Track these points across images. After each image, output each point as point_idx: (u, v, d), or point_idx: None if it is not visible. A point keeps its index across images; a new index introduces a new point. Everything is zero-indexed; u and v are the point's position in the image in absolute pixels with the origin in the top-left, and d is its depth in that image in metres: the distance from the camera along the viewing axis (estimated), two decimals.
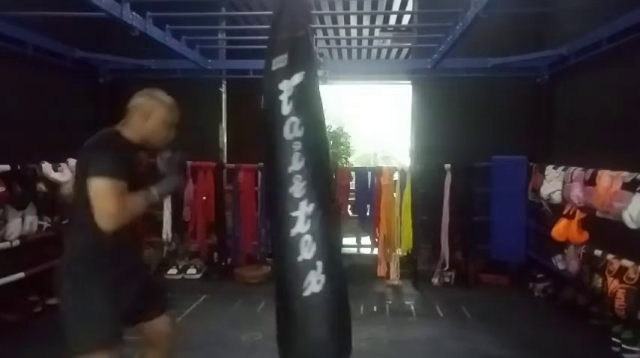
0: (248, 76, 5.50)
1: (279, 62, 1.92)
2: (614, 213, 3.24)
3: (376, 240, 5.18)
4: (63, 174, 4.33)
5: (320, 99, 1.99)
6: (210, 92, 5.64)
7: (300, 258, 1.76)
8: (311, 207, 1.79)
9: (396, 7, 6.07)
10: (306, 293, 1.74)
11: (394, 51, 8.22)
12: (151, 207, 2.02)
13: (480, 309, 4.32)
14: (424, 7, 5.30)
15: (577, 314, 4.00)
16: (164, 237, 5.20)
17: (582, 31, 4.14)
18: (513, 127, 5.27)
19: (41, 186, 4.07)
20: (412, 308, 4.44)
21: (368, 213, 5.23)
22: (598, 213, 3.52)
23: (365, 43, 6.94)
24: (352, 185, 5.58)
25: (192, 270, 5.33)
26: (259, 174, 5.31)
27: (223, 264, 5.38)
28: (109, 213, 1.79)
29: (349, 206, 5.51)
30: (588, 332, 3.73)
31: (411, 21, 6.17)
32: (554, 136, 4.97)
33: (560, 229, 3.99)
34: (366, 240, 5.46)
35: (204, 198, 5.27)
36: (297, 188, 1.80)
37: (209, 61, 5.37)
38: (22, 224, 3.92)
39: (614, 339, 3.36)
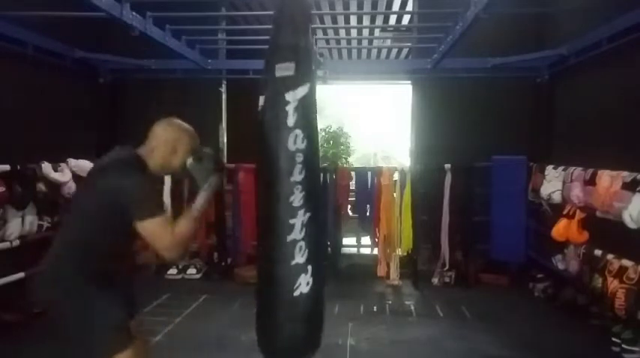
0: (248, 76, 5.50)
1: (285, 70, 1.95)
2: (614, 213, 3.24)
3: (376, 240, 5.18)
4: (63, 174, 4.34)
5: (316, 109, 2.05)
6: (210, 92, 5.64)
7: (293, 262, 1.87)
8: (307, 216, 1.90)
9: (396, 7, 6.07)
10: (296, 293, 1.86)
11: (394, 51, 8.22)
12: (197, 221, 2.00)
13: (480, 309, 4.32)
14: (424, 7, 5.30)
15: (577, 314, 4.00)
16: None
17: (582, 31, 4.14)
18: (513, 127, 5.27)
19: (41, 186, 4.08)
20: (412, 308, 4.44)
21: (368, 213, 5.23)
22: (598, 213, 3.52)
23: (365, 43, 6.94)
24: (352, 185, 5.58)
25: (192, 270, 5.33)
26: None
27: (223, 264, 5.39)
28: (171, 247, 1.84)
29: (349, 206, 5.51)
30: (588, 332, 3.73)
31: (411, 21, 6.17)
32: (554, 136, 4.97)
33: (560, 229, 3.99)
34: (366, 240, 5.46)
35: None
36: (297, 197, 1.90)
37: (209, 61, 5.36)
38: (22, 224, 3.92)
39: (614, 339, 3.36)
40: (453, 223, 5.06)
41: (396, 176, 5.23)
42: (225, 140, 5.78)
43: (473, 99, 5.36)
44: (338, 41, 6.68)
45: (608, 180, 3.36)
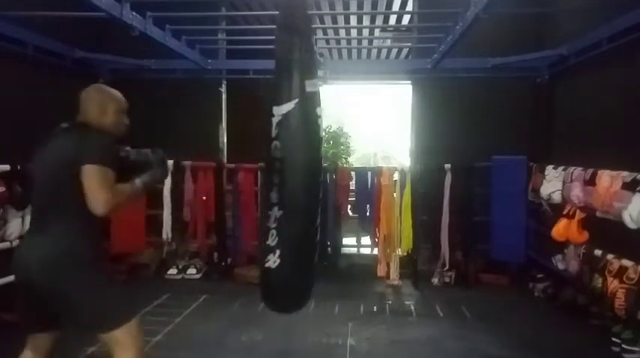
0: (248, 76, 5.51)
1: (313, 86, 2.25)
2: (614, 213, 3.24)
3: (376, 240, 5.18)
4: None
5: (311, 123, 2.27)
6: (210, 92, 5.64)
7: (266, 243, 2.35)
8: (280, 213, 2.28)
9: (396, 7, 6.07)
10: (266, 265, 2.36)
11: (394, 51, 8.22)
12: (133, 198, 2.13)
13: (480, 309, 4.32)
14: (424, 7, 5.30)
15: (577, 314, 4.00)
16: (164, 237, 5.20)
17: (582, 31, 4.14)
18: (513, 127, 5.27)
19: None
20: (412, 308, 4.44)
21: (368, 213, 5.23)
22: (598, 213, 3.52)
23: (365, 43, 6.94)
24: (352, 185, 5.58)
25: (192, 270, 5.33)
26: (259, 174, 5.31)
27: (223, 264, 5.38)
28: (104, 200, 1.90)
29: (349, 206, 5.51)
30: (588, 332, 3.73)
31: (411, 21, 6.17)
32: (554, 136, 4.97)
33: (560, 229, 3.99)
34: (366, 240, 5.46)
35: (204, 198, 5.27)
36: (274, 195, 2.29)
37: (209, 61, 5.36)
38: (22, 224, 3.92)
39: (614, 339, 3.36)
40: (453, 223, 5.06)
41: (396, 176, 5.23)
42: (225, 140, 5.78)
43: (473, 99, 5.36)
44: (338, 41, 6.67)
45: (608, 180, 3.36)
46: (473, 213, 5.09)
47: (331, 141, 11.40)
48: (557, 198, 4.18)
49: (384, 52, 8.37)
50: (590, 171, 3.65)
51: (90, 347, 3.31)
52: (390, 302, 4.63)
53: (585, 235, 3.83)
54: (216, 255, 5.44)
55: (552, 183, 4.25)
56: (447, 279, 5.06)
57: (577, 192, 3.78)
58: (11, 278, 3.68)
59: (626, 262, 3.28)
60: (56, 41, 4.56)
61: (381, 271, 5.12)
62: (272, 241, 2.32)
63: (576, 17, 4.54)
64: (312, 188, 2.35)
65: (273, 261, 2.32)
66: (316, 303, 4.20)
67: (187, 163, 5.23)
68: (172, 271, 5.32)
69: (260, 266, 2.43)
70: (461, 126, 5.35)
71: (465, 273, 5.08)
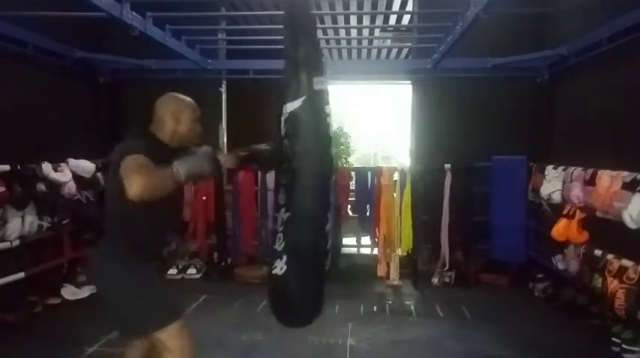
0: (248, 76, 5.50)
1: (320, 84, 2.16)
2: (614, 213, 3.24)
3: (376, 240, 5.18)
4: (63, 174, 4.34)
5: (319, 121, 2.18)
6: (210, 92, 5.64)
7: (275, 247, 2.22)
8: (286, 215, 2.17)
9: (396, 7, 6.07)
10: (273, 272, 2.22)
11: (394, 51, 8.22)
12: (177, 187, 1.96)
13: (480, 309, 4.32)
14: (424, 7, 5.30)
15: (577, 314, 4.00)
16: None
17: (582, 31, 4.14)
18: (513, 127, 5.27)
19: (41, 186, 4.07)
20: (412, 308, 4.44)
21: (368, 213, 5.23)
22: (598, 213, 3.52)
23: (365, 43, 6.93)
24: (352, 185, 5.58)
25: (192, 270, 5.33)
26: (259, 174, 5.31)
27: (223, 264, 5.38)
28: (137, 182, 1.79)
29: (349, 206, 5.51)
30: (588, 332, 3.73)
31: (411, 21, 6.17)
32: (554, 136, 4.97)
33: (560, 229, 3.99)
34: (366, 240, 5.46)
35: (204, 198, 5.27)
36: (282, 197, 2.20)
37: (209, 61, 5.36)
38: (22, 224, 3.92)
39: (614, 339, 3.36)
40: (453, 223, 5.06)
41: (396, 176, 5.23)
42: (225, 140, 5.78)
43: (473, 99, 5.36)
44: (338, 41, 6.67)
45: (608, 180, 3.36)
46: (473, 213, 5.09)
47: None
48: (557, 198, 4.18)
49: (384, 52, 8.37)
50: (590, 171, 3.65)
51: (90, 347, 3.31)
52: (390, 302, 4.63)
53: (585, 235, 3.83)
54: (216, 255, 5.44)
55: (552, 183, 4.25)
56: (447, 279, 5.06)
57: (577, 192, 3.78)
58: (11, 278, 3.67)
59: (626, 262, 3.28)
60: (56, 41, 4.56)
61: (381, 271, 5.12)
62: (279, 246, 2.20)
63: (576, 17, 4.54)
64: (321, 190, 2.22)
65: (279, 267, 2.18)
66: None
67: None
68: (172, 271, 5.31)
69: (268, 271, 2.30)
70: (461, 126, 5.35)
71: (465, 273, 5.08)
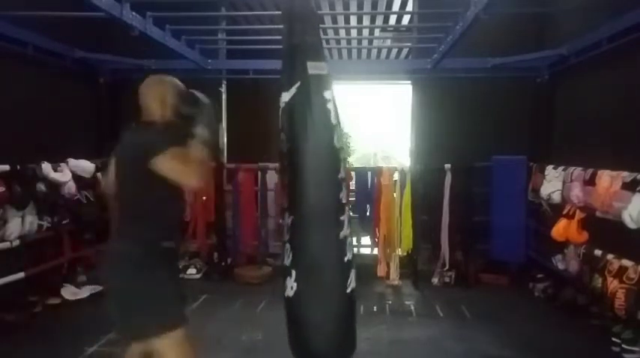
0: (248, 76, 5.50)
1: (316, 69, 2.00)
2: (614, 213, 3.24)
3: (376, 240, 5.18)
4: (63, 174, 4.34)
5: (317, 108, 1.96)
6: (210, 92, 5.57)
7: (284, 262, 1.92)
8: (290, 219, 1.91)
9: (396, 7, 6.07)
10: (285, 294, 1.89)
11: (394, 51, 8.21)
12: (209, 149, 1.96)
13: (479, 309, 4.31)
14: (424, 7, 5.30)
15: (577, 314, 4.00)
16: None
17: (582, 31, 4.14)
18: (513, 127, 5.28)
19: (41, 186, 4.07)
20: (412, 308, 4.44)
21: (368, 213, 5.22)
22: (598, 213, 3.52)
23: (365, 43, 6.94)
24: (352, 185, 5.58)
25: (192, 270, 5.32)
26: (259, 174, 5.31)
27: (223, 264, 5.38)
28: (192, 172, 1.81)
29: (349, 206, 5.49)
30: (588, 332, 3.73)
31: (411, 21, 6.17)
32: (554, 136, 4.97)
33: (560, 229, 3.99)
34: (366, 240, 5.46)
35: (204, 198, 5.27)
36: (284, 198, 1.99)
37: (209, 61, 5.36)
38: (22, 224, 3.92)
39: (614, 339, 3.36)
40: (453, 223, 5.06)
41: (396, 176, 5.23)
42: (225, 140, 5.78)
43: (473, 99, 5.36)
44: (338, 41, 6.67)
45: (608, 180, 3.36)
46: (473, 213, 5.09)
47: None
48: (557, 198, 4.18)
49: (384, 52, 8.36)
50: (590, 171, 3.65)
51: (90, 347, 3.31)
52: (390, 302, 4.62)
53: (585, 235, 3.83)
54: (216, 255, 5.43)
55: (552, 183, 4.25)
56: (447, 279, 5.06)
57: (577, 192, 3.78)
58: (11, 278, 3.67)
59: (626, 262, 3.28)
60: (56, 41, 4.56)
61: (381, 271, 5.11)
62: (287, 259, 1.86)
63: (576, 17, 4.54)
64: (327, 186, 1.87)
65: (290, 286, 1.84)
66: None
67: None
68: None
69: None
70: (461, 126, 5.35)
71: (465, 273, 5.08)
